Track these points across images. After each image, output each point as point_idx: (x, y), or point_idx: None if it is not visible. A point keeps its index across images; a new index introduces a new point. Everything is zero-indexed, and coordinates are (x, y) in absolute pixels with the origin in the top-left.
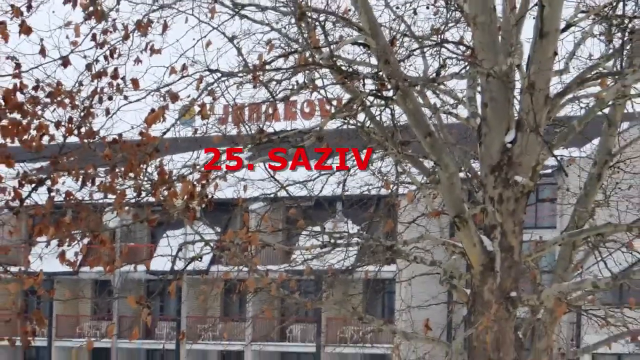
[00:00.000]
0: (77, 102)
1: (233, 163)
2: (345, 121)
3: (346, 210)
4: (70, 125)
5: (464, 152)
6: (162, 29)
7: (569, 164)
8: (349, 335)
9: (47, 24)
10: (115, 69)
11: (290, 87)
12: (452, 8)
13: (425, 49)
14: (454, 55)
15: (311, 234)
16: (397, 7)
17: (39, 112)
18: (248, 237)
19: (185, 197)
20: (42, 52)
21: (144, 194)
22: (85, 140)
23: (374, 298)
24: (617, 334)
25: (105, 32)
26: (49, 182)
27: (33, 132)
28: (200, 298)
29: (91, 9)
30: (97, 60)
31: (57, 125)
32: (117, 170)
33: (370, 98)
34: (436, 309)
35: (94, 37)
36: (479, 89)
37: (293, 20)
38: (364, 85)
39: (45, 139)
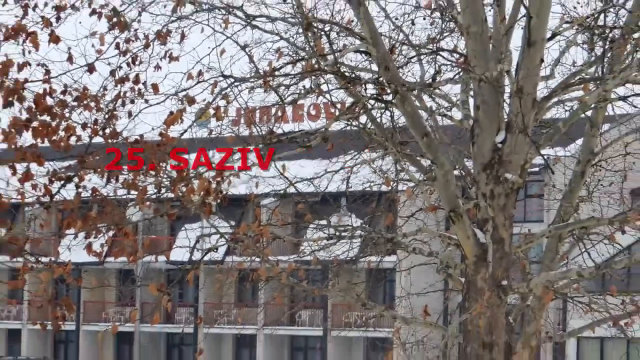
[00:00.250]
0: (102, 106)
1: (251, 162)
2: (349, 123)
3: (350, 205)
4: (95, 127)
5: (458, 151)
6: (180, 38)
7: (555, 162)
8: (353, 320)
9: (75, 33)
10: (137, 75)
11: (298, 91)
12: (447, 19)
13: (422, 57)
14: (449, 62)
15: (318, 227)
16: (396, 18)
17: (67, 115)
18: (260, 230)
19: (202, 193)
20: (70, 59)
21: (163, 190)
22: (110, 141)
23: (376, 286)
24: (600, 319)
25: (127, 41)
26: (76, 179)
27: (62, 133)
28: (216, 286)
29: (115, 20)
30: (120, 67)
31: (84, 126)
32: (139, 168)
33: (372, 101)
34: (433, 296)
35: (117, 46)
36: (471, 93)
37: (300, 30)
38: (365, 89)
39: (73, 139)
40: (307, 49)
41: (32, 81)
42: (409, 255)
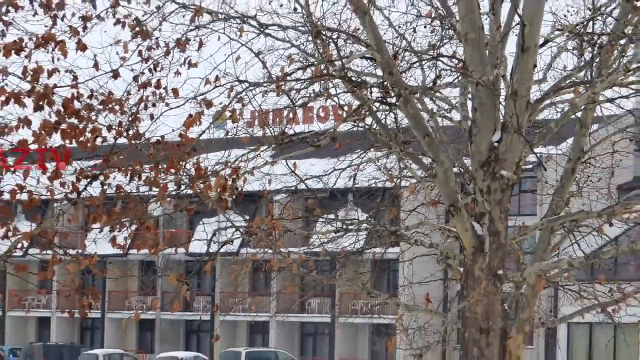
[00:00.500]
0: (125, 109)
1: (260, 160)
2: (355, 124)
3: (356, 200)
4: (120, 129)
5: (457, 150)
6: (198, 46)
7: (547, 160)
8: (359, 307)
9: (100, 42)
10: (158, 80)
11: (308, 95)
12: (446, 27)
13: (423, 62)
14: (448, 67)
15: (326, 221)
16: (399, 27)
17: (93, 118)
18: (272, 223)
19: (219, 189)
20: (96, 66)
21: (183, 187)
22: (133, 141)
23: (381, 276)
24: (589, 306)
25: (149, 49)
26: (102, 177)
27: (88, 135)
28: (232, 276)
29: (137, 29)
30: (142, 73)
31: (109, 128)
32: (160, 166)
33: (377, 104)
34: (434, 284)
35: (140, 53)
36: (469, 96)
37: (310, 38)
38: (370, 93)
39: (99, 140)
40: (316, 55)
41: (60, 86)
42: (412, 246)
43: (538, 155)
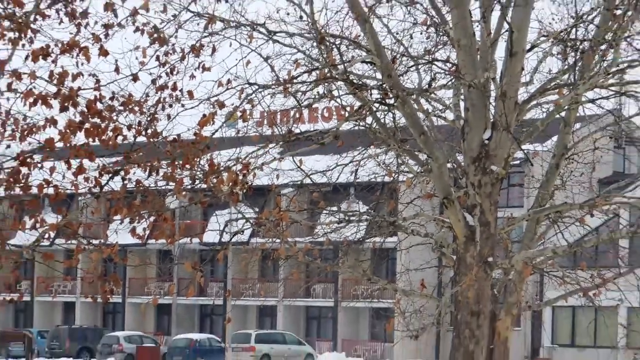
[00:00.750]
0: (144, 109)
1: (269, 157)
2: (357, 123)
3: (357, 194)
4: (139, 128)
5: (451, 147)
6: (211, 52)
7: (534, 156)
8: (360, 292)
9: (121, 48)
10: (175, 83)
11: (313, 96)
12: (441, 34)
13: (419, 66)
14: (442, 71)
15: (330, 213)
16: (397, 33)
17: (115, 118)
18: (280, 215)
19: (230, 184)
20: (117, 70)
21: (197, 181)
22: (151, 140)
23: (380, 263)
24: (572, 291)
25: (166, 54)
26: (122, 173)
27: (110, 134)
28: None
29: (155, 36)
30: (160, 76)
31: (129, 127)
32: (176, 163)
33: (376, 105)
34: (429, 271)
35: (157, 58)
36: (462, 97)
37: (315, 44)
38: (371, 94)
39: (120, 138)
40: (320, 60)
41: (84, 89)
42: (408, 236)
43: (525, 151)
